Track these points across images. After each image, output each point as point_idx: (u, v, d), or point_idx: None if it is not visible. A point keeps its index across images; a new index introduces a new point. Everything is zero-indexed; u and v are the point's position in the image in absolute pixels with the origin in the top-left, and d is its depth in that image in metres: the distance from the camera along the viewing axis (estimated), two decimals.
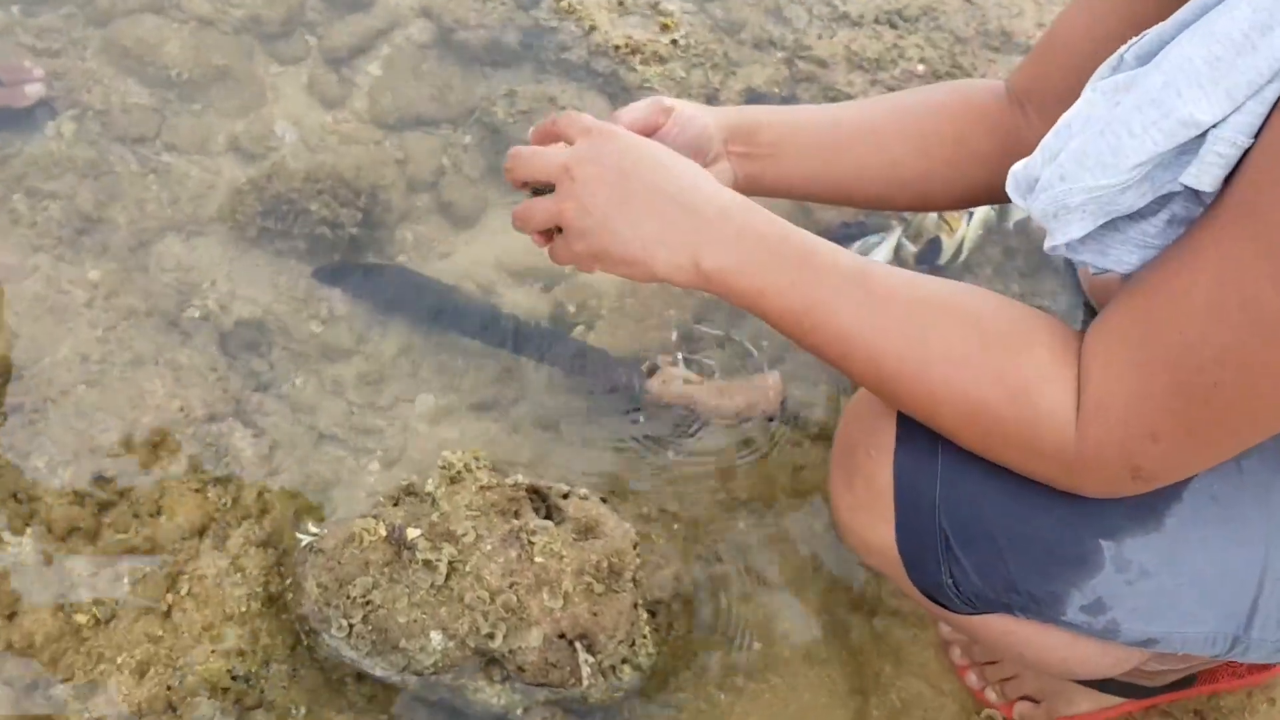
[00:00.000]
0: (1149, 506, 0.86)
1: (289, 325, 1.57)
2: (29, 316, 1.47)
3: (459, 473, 1.28)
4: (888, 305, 0.85)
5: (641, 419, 1.51)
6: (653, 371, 1.50)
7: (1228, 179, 0.69)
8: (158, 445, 1.39)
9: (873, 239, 1.62)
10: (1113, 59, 0.79)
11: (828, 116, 1.19)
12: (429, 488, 1.28)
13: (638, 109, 1.10)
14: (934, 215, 1.60)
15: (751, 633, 1.37)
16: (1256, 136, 0.66)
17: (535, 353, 1.56)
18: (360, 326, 1.59)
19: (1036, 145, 1.10)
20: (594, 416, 1.53)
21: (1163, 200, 0.74)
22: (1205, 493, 0.87)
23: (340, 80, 1.80)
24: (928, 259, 1.58)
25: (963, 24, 1.93)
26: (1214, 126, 0.67)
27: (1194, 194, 0.72)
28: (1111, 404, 0.76)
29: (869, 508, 0.97)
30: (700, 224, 0.88)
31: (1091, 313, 1.62)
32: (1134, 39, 0.78)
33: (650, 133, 1.06)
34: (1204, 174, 0.68)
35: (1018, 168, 0.83)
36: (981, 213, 1.60)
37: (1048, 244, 0.82)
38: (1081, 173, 0.75)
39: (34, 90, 1.65)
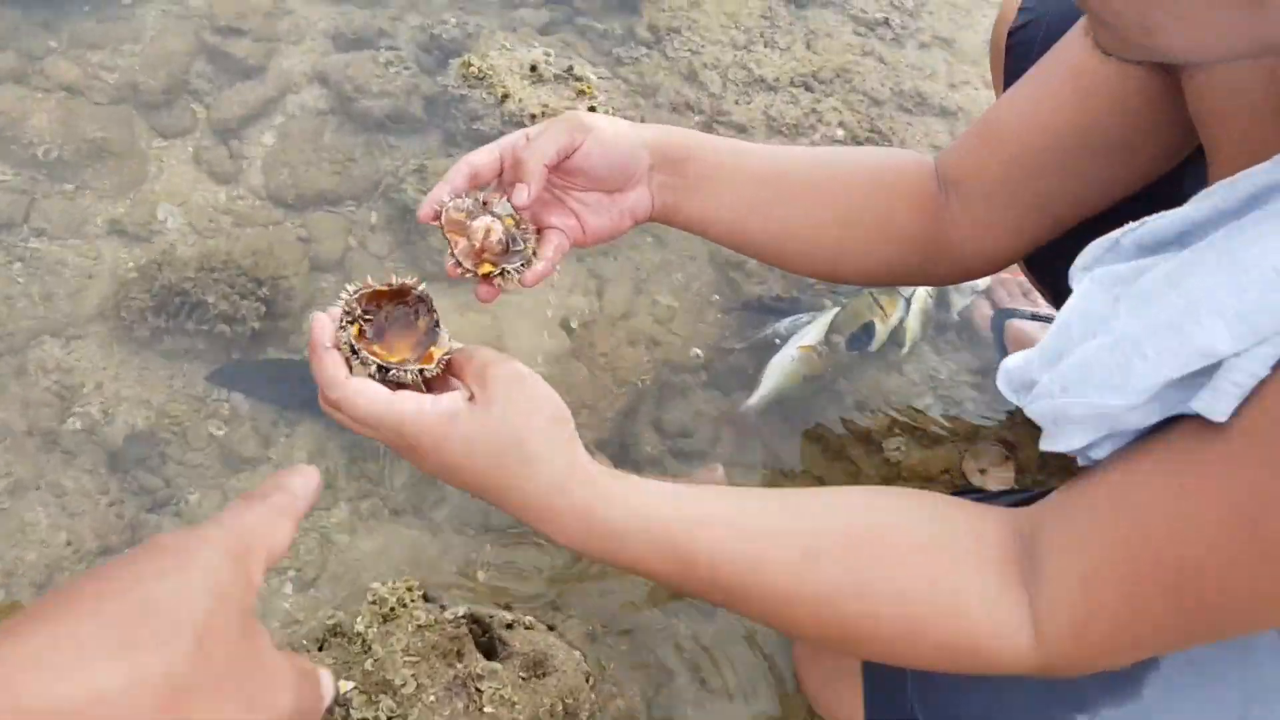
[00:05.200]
0: (1125, 678, 0.84)
1: (186, 430, 1.43)
2: None
3: (392, 609, 1.17)
4: (813, 559, 0.77)
5: None
6: None
7: None
8: (42, 586, 1.24)
9: (803, 318, 1.57)
10: (1106, 240, 0.75)
11: (758, 163, 1.08)
12: (359, 627, 1.17)
13: (547, 135, 0.95)
14: (867, 297, 1.56)
15: None
16: (1274, 368, 0.63)
17: None
18: (265, 428, 1.46)
19: (955, 234, 1.07)
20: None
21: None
22: (1182, 658, 0.84)
23: (231, 155, 1.66)
24: (858, 344, 1.54)
25: (877, 85, 1.91)
26: (1233, 356, 0.64)
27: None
28: (1095, 625, 0.73)
29: (836, 683, 0.92)
30: (558, 530, 0.79)
31: None
32: (1131, 225, 0.74)
33: (568, 154, 0.97)
34: (1218, 403, 0.65)
35: (1012, 364, 0.79)
36: (920, 301, 1.57)
37: (1044, 444, 0.78)
38: (1086, 388, 0.71)
39: None
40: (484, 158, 0.96)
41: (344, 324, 0.77)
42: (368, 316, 0.78)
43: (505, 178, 0.98)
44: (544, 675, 1.16)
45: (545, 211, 1.01)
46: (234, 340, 1.47)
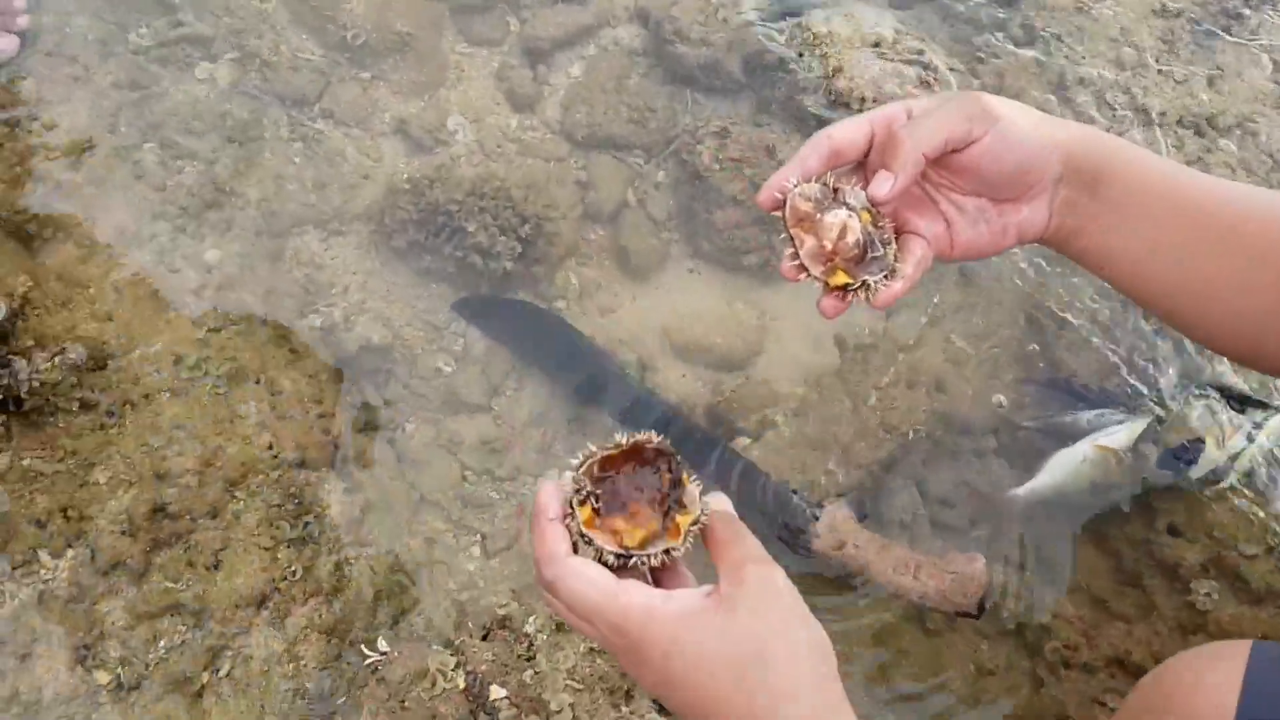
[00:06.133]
0: None
1: (416, 357, 1.35)
2: (130, 296, 1.27)
3: None
4: None
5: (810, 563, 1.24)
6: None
7: None
8: (235, 484, 1.18)
9: (1114, 415, 1.29)
10: None
11: (1198, 193, 0.82)
12: (529, 628, 1.03)
13: (937, 118, 0.75)
14: (1200, 411, 1.26)
15: None
16: None
17: (691, 456, 1.30)
18: (495, 377, 1.35)
19: None
20: None
21: None
22: None
23: (535, 78, 1.55)
24: (1179, 461, 1.24)
25: None
26: None
27: None
28: None
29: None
30: None
31: None
32: None
33: (960, 146, 0.76)
34: None
35: None
36: (1274, 431, 1.25)
37: None
38: None
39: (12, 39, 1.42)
40: (850, 133, 0.78)
41: (573, 505, 0.66)
42: (598, 490, 0.67)
43: (870, 160, 0.80)
44: None
45: (909, 210, 0.81)
46: (484, 274, 1.37)
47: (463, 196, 1.37)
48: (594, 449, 0.68)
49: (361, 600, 1.16)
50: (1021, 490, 1.24)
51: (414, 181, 1.40)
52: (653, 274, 1.44)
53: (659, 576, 0.68)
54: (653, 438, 0.68)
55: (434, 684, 0.99)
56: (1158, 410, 1.27)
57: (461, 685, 0.98)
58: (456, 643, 1.05)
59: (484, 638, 1.06)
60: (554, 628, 1.03)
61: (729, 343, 1.39)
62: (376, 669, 1.04)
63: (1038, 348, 1.38)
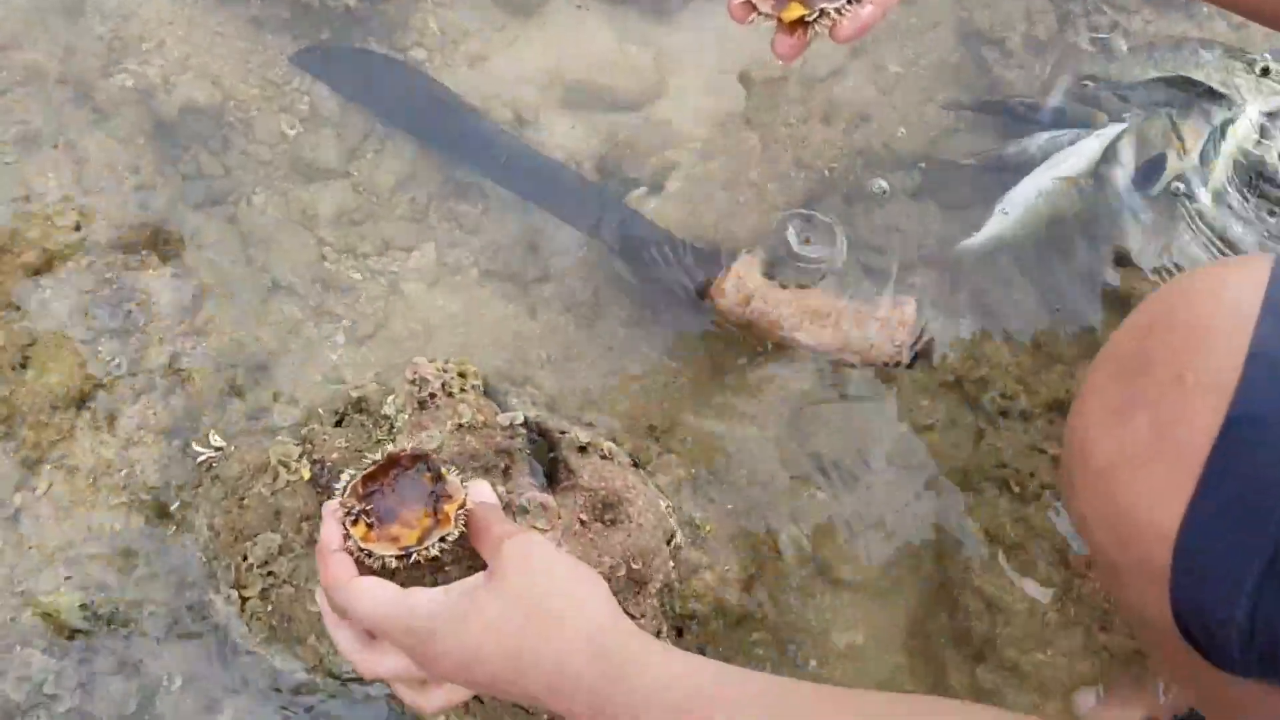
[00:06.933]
0: None
1: (253, 121, 1.15)
2: None
3: (433, 395, 0.88)
4: None
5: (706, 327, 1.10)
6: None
7: None
8: (39, 271, 1.00)
9: (1064, 135, 1.13)
10: None
11: None
12: (387, 409, 0.89)
13: None
14: (1162, 121, 1.11)
15: (809, 657, 1.00)
16: None
17: (580, 218, 1.13)
18: (351, 138, 1.16)
19: None
20: (640, 315, 1.11)
21: None
22: None
23: None
24: (1144, 179, 1.10)
25: None
26: None
27: None
28: None
29: (1150, 462, 0.60)
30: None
31: None
32: None
33: None
34: None
35: None
36: (1239, 138, 1.10)
37: None
38: None
39: None
40: None
41: (347, 526, 0.69)
42: (369, 505, 0.71)
43: None
44: (611, 523, 0.86)
45: None
46: (324, 16, 1.16)
47: None
48: (353, 471, 0.71)
49: (205, 397, 1.00)
50: (974, 239, 1.10)
51: None
52: (537, 9, 1.24)
53: None
54: (405, 448, 0.72)
55: (275, 477, 0.84)
56: (1115, 127, 1.11)
57: (307, 476, 0.84)
58: (304, 431, 0.90)
59: (337, 424, 0.91)
60: (418, 405, 0.88)
61: (622, 86, 1.21)
62: (211, 466, 0.89)
63: (975, 71, 1.22)
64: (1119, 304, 1.10)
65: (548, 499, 0.83)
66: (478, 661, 0.62)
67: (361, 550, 0.68)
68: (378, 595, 0.65)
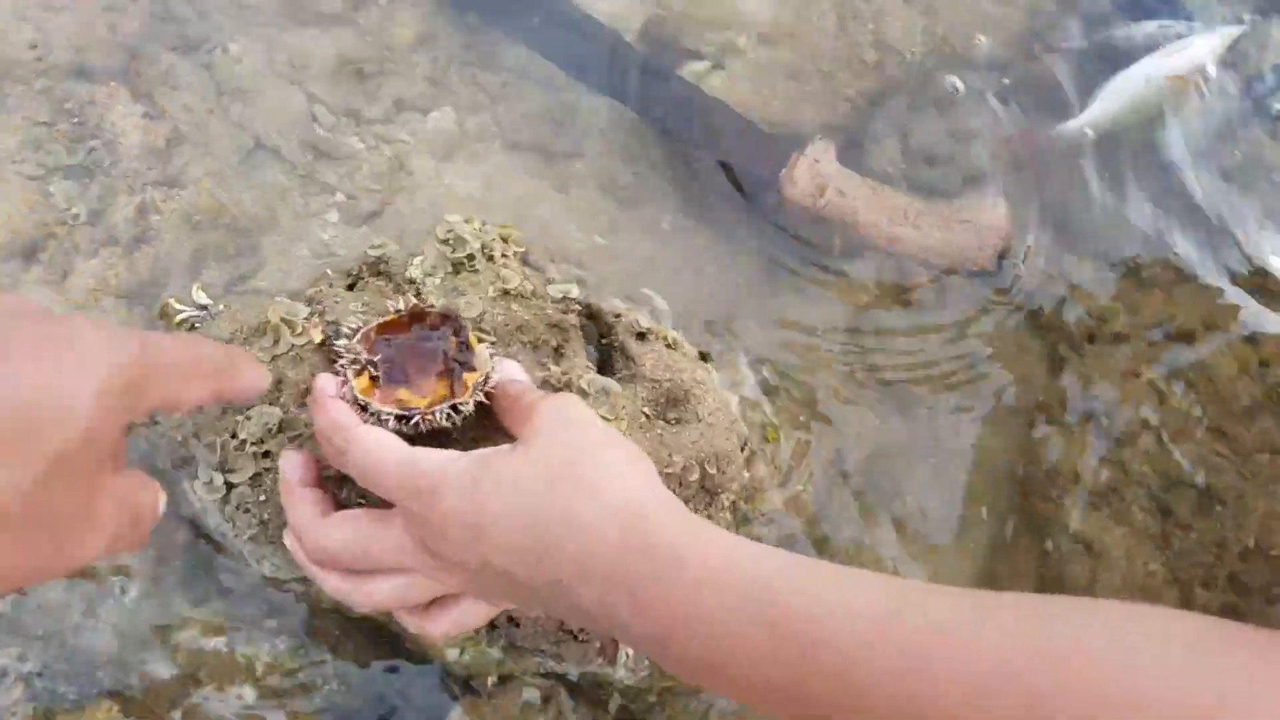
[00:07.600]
0: None
1: None
2: None
3: (470, 257, 0.73)
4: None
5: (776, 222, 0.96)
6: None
7: None
8: None
9: (1175, 26, 1.01)
10: None
11: None
12: (413, 271, 0.73)
13: None
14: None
15: None
16: None
17: (623, 92, 0.98)
18: None
19: None
20: (689, 203, 0.97)
21: None
22: None
23: None
24: (1271, 90, 0.99)
25: None
26: None
27: None
28: None
29: None
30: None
31: None
32: None
33: None
34: None
35: None
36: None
37: None
38: None
39: None
40: None
41: (347, 374, 0.61)
42: (375, 358, 0.62)
43: None
44: (678, 421, 0.72)
45: None
46: None
47: None
48: (368, 319, 0.64)
49: (175, 257, 0.83)
50: (1072, 122, 0.97)
51: None
52: None
53: None
54: (435, 303, 0.64)
55: (277, 340, 0.68)
56: (1238, 25, 1.00)
57: (319, 339, 0.68)
58: (310, 292, 0.74)
59: (350, 287, 0.75)
60: (451, 268, 0.73)
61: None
62: (194, 327, 0.73)
63: None
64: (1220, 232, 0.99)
65: (611, 383, 0.69)
66: (493, 525, 0.52)
67: (357, 403, 0.59)
68: (382, 442, 0.57)
